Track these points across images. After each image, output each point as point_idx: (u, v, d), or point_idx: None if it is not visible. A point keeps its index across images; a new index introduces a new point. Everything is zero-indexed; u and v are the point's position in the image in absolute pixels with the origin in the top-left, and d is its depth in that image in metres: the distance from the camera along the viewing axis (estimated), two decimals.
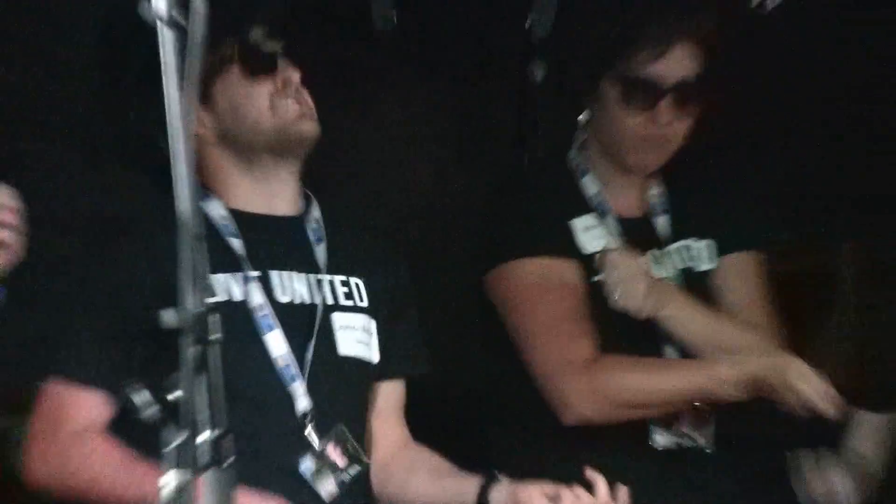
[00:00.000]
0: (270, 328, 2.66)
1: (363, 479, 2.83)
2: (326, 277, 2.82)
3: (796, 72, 4.02)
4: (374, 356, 2.86)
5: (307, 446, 2.66)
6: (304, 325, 2.76)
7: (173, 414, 1.84)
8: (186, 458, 1.81)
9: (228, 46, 2.79)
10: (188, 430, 1.82)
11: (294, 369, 2.69)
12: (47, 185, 3.52)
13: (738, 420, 3.30)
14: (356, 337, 2.84)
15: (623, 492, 2.68)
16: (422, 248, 3.64)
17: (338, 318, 2.80)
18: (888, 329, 3.59)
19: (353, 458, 2.71)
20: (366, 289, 2.87)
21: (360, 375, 2.84)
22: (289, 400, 2.66)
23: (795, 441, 3.67)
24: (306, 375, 2.72)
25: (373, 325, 2.85)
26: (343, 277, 2.84)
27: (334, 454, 2.71)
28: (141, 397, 1.91)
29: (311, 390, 2.73)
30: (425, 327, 3.02)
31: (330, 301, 2.78)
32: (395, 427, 2.89)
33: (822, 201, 4.24)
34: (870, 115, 4.08)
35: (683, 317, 3.26)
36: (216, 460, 1.81)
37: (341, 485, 2.72)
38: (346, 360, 2.80)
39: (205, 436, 1.81)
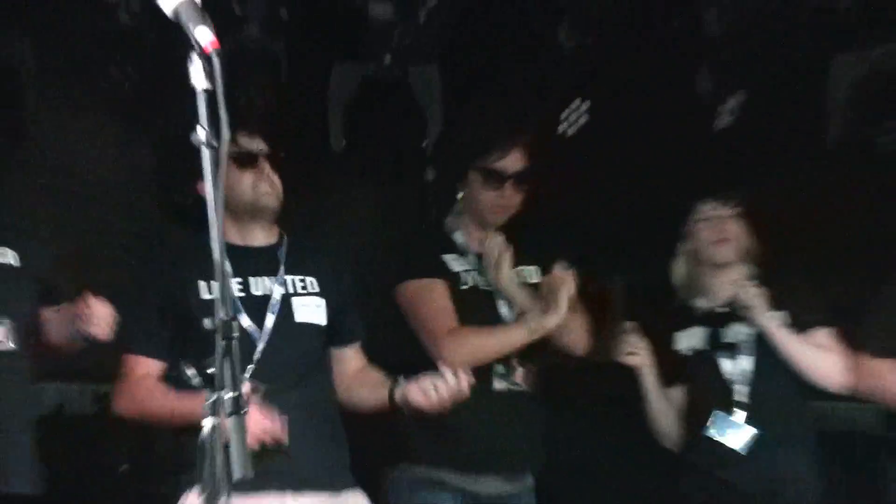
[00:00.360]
0: (241, 311, 3.49)
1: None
2: (289, 278, 3.66)
3: (590, 165, 5.30)
4: (323, 321, 3.71)
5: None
6: (271, 309, 3.58)
7: (210, 382, 2.25)
8: (217, 410, 2.23)
9: (228, 146, 3.41)
10: (218, 392, 2.24)
11: (257, 333, 3.51)
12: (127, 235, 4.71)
13: (556, 373, 4.30)
14: (310, 310, 3.70)
15: (463, 373, 3.54)
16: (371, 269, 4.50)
17: (295, 301, 3.65)
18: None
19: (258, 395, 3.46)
20: (318, 283, 3.71)
21: (313, 332, 3.70)
22: (253, 351, 3.49)
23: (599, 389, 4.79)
24: (264, 336, 3.53)
25: (323, 302, 3.71)
26: (301, 277, 3.69)
27: (246, 386, 3.34)
28: (190, 372, 2.67)
29: (271, 345, 3.55)
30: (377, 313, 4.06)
31: (291, 291, 3.65)
32: (355, 362, 3.80)
33: (607, 248, 5.35)
34: (639, 199, 5.31)
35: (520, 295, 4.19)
36: (236, 410, 2.24)
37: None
38: (300, 324, 3.66)
39: (228, 396, 2.23)
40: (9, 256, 3.91)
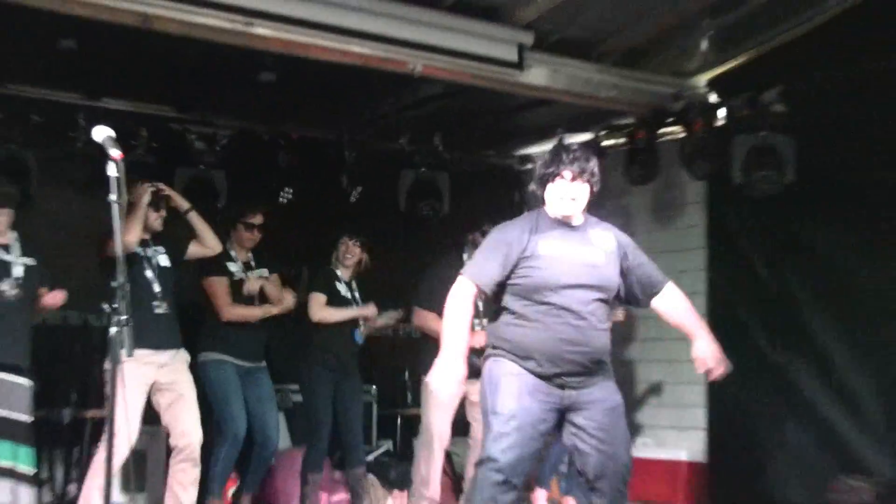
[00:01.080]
0: (144, 266, 6.62)
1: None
2: (157, 249, 6.79)
3: (293, 219, 8.36)
4: (170, 265, 6.70)
5: (157, 304, 6.56)
6: (156, 263, 6.68)
7: (116, 311, 4.07)
8: (119, 323, 4.05)
9: (150, 209, 6.75)
10: (118, 315, 4.03)
11: (154, 277, 6.71)
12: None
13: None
14: (166, 262, 6.76)
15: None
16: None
17: (160, 257, 6.74)
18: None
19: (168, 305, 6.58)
20: (166, 251, 6.75)
21: (168, 270, 6.73)
22: (152, 289, 6.65)
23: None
24: (157, 276, 6.62)
25: (167, 257, 6.72)
26: (162, 248, 6.81)
27: (167, 304, 6.64)
28: (106, 307, 4.06)
29: (159, 275, 6.59)
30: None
31: (157, 254, 6.73)
32: None
33: (293, 249, 8.51)
34: (316, 232, 8.31)
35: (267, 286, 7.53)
36: (126, 324, 4.01)
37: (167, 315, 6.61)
38: (165, 267, 6.74)
39: (123, 317, 4.00)
40: (30, 261, 6.44)
